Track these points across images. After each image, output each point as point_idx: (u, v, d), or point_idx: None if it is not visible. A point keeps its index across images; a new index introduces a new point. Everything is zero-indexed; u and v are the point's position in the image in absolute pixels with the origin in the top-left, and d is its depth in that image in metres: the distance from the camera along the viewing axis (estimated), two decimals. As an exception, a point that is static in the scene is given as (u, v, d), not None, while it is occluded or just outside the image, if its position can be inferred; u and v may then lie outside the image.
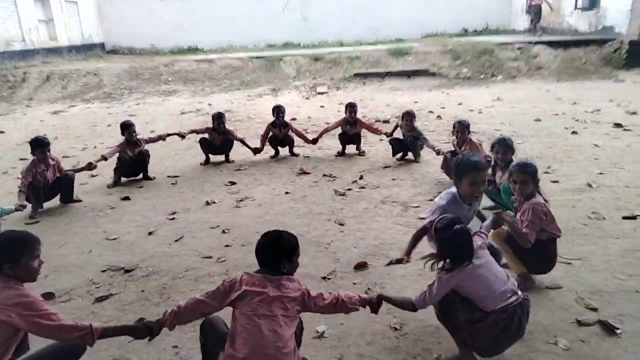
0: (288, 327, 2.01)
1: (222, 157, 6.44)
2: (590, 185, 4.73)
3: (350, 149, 6.53)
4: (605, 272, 3.19)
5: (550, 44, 13.60)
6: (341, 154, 6.51)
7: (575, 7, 15.68)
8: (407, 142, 6.00)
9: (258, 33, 19.46)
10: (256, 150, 6.46)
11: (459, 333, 2.31)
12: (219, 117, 6.31)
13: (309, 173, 5.71)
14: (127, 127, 5.62)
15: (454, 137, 5.00)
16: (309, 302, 2.13)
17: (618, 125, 6.98)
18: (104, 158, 5.42)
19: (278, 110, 6.43)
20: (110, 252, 3.82)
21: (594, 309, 2.79)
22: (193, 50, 19.13)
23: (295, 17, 19.99)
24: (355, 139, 6.51)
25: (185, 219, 4.47)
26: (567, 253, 3.43)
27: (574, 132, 6.80)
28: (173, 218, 4.49)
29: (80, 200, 5.01)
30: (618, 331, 2.58)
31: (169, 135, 6.13)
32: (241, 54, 16.13)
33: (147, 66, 14.43)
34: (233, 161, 6.38)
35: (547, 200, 3.07)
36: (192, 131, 6.35)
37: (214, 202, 4.84)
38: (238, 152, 6.71)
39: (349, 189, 5.08)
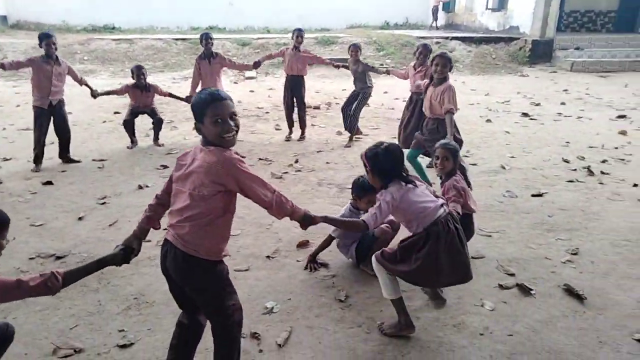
0: (196, 206, 1.84)
1: (149, 141, 6.19)
2: (503, 168, 5.24)
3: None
4: (520, 242, 3.60)
5: (464, 40, 14.56)
6: (290, 136, 6.51)
7: (486, 8, 16.92)
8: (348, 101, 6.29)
9: (181, 15, 18.61)
10: (188, 99, 6.11)
11: (411, 278, 2.48)
12: (138, 69, 5.91)
13: (244, 157, 5.65)
14: (45, 37, 4.97)
15: (415, 59, 5.41)
16: (226, 177, 1.81)
17: (525, 114, 7.73)
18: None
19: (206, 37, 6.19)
20: (36, 238, 3.57)
21: (512, 274, 3.15)
22: (109, 29, 17.84)
23: (221, 1, 19.41)
24: (299, 87, 6.36)
25: (117, 203, 4.28)
26: (487, 227, 3.81)
27: (488, 121, 7.42)
28: (104, 202, 4.28)
29: None
30: (532, 292, 2.95)
31: (86, 84, 5.58)
32: (164, 35, 15.39)
33: (59, 44, 13.22)
34: (162, 145, 6.17)
35: (470, 182, 3.37)
36: (109, 92, 5.94)
37: (147, 186, 4.67)
38: (167, 136, 6.51)
39: (286, 172, 5.16)
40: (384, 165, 2.41)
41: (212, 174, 1.81)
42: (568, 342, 2.52)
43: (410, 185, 2.41)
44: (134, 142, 6.10)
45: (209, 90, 1.93)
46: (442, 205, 2.45)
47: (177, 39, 14.27)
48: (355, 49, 6.11)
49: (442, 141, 3.29)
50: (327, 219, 2.26)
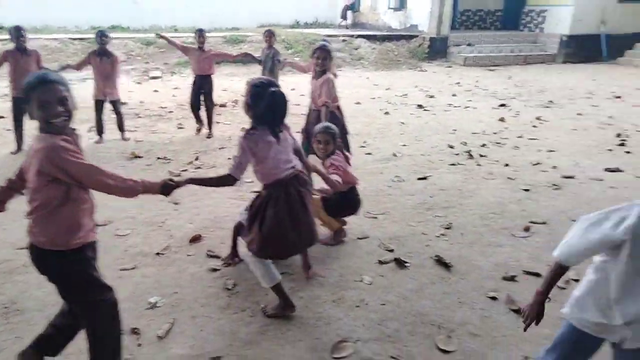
0: (34, 198, 1.83)
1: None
2: (395, 155, 5.58)
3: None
4: (402, 222, 3.88)
5: (369, 37, 15.15)
6: (200, 129, 6.50)
7: (388, 7, 17.75)
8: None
9: (80, 14, 17.39)
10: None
11: (266, 246, 2.50)
12: (17, 30, 5.39)
13: (141, 157, 5.53)
14: None
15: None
16: (50, 166, 1.73)
17: (420, 106, 8.25)
18: None
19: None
20: None
21: (391, 250, 3.40)
22: (-6, 28, 16.28)
23: (123, -2, 18.46)
24: (208, 86, 6.36)
25: (-8, 211, 3.97)
26: (374, 209, 4.06)
27: (386, 113, 7.82)
28: (-24, 212, 3.96)
29: None
30: (407, 264, 3.21)
31: None
32: (60, 35, 14.34)
33: None
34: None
35: (347, 155, 3.47)
36: None
37: (30, 192, 4.39)
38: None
39: (185, 170, 5.09)
40: (262, 107, 2.41)
41: (36, 163, 1.77)
42: (433, 305, 2.78)
43: (275, 139, 2.47)
44: (20, 146, 5.66)
45: (40, 73, 1.87)
46: (292, 167, 2.55)
47: (74, 39, 13.36)
48: (269, 34, 6.40)
49: (321, 125, 3.43)
50: (193, 180, 2.38)
